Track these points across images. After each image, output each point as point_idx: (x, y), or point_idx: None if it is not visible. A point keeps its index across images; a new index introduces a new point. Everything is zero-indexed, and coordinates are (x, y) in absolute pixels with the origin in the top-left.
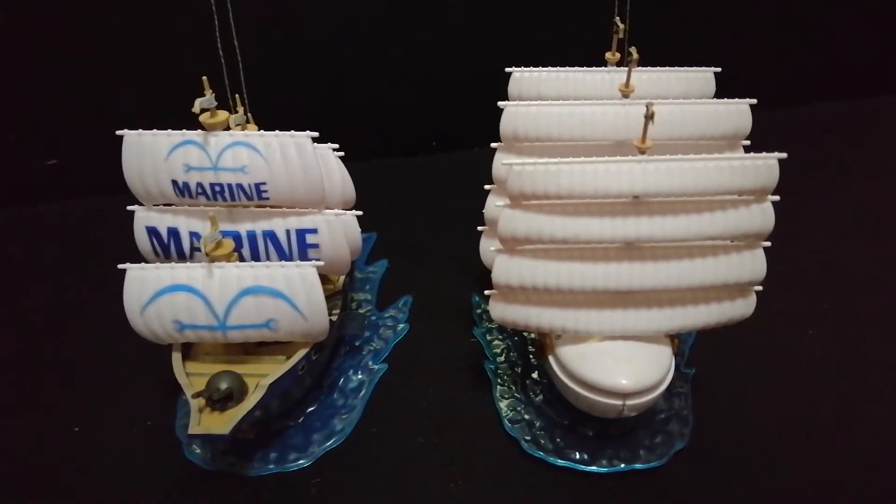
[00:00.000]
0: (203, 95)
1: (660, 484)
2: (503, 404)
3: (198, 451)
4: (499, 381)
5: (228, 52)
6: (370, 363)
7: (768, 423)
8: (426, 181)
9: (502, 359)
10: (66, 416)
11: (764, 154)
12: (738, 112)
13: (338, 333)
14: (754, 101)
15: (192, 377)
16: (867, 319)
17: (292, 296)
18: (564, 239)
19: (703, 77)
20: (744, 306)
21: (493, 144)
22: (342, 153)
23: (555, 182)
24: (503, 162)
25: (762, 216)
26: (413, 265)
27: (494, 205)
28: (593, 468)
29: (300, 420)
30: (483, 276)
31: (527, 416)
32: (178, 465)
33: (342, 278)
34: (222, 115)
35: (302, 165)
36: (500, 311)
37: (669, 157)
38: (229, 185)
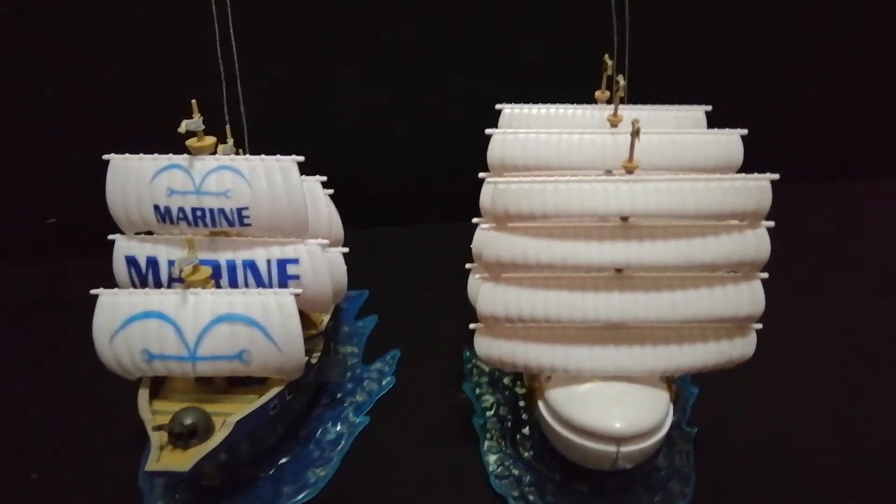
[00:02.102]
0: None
1: None
2: (491, 459)
3: (159, 502)
4: (487, 435)
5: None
6: (351, 416)
7: (775, 486)
8: (422, 248)
9: (491, 413)
10: (23, 462)
11: (756, 175)
12: (728, 142)
13: (318, 379)
14: (744, 131)
15: (157, 415)
16: (881, 375)
17: (267, 325)
18: (551, 263)
19: (694, 116)
20: (743, 346)
21: (481, 175)
22: (331, 191)
23: (540, 201)
24: (487, 180)
25: (757, 243)
26: (404, 320)
27: (481, 234)
28: None
29: (271, 472)
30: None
31: (515, 472)
32: None
33: (325, 320)
34: (209, 140)
35: (286, 191)
36: (486, 346)
37: (658, 178)
38: (211, 210)
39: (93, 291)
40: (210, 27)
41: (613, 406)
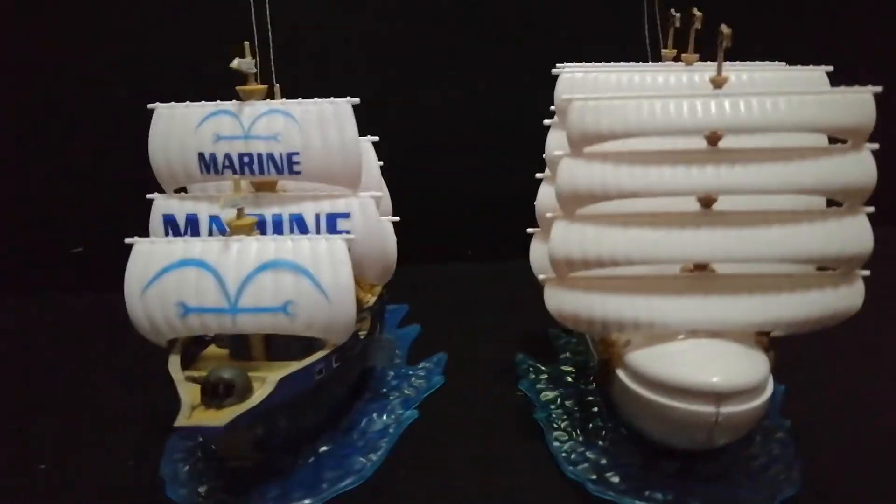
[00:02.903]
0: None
1: None
2: (561, 447)
3: (183, 490)
4: (554, 426)
5: None
6: (398, 408)
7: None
8: (459, 282)
9: (556, 406)
10: (36, 453)
11: (856, 87)
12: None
13: (363, 363)
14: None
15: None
16: None
17: (316, 273)
18: (634, 191)
19: (813, 77)
20: (849, 296)
21: (546, 122)
22: (382, 163)
23: (622, 117)
24: (563, 96)
25: (860, 167)
26: (447, 330)
27: (547, 197)
28: None
29: (310, 459)
30: (527, 337)
31: (591, 457)
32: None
33: (372, 301)
34: (260, 86)
35: (339, 134)
36: (558, 300)
37: (748, 91)
38: (259, 156)
39: (128, 240)
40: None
41: (709, 361)
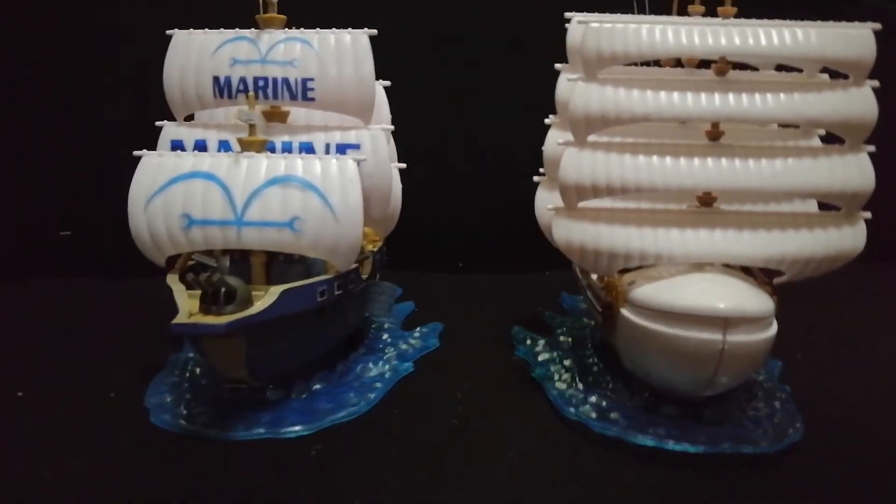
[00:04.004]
0: None
1: (775, 475)
2: (562, 393)
3: (167, 416)
4: (553, 378)
5: None
6: (394, 360)
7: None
8: (453, 291)
9: (555, 363)
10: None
11: (857, 23)
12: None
13: (362, 309)
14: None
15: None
16: None
17: (325, 190)
18: (645, 115)
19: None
20: (853, 237)
21: (557, 66)
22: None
23: (635, 40)
24: (578, 19)
25: (862, 102)
26: (443, 307)
27: (556, 141)
28: (687, 446)
29: (304, 395)
30: (524, 316)
31: (592, 400)
32: (144, 431)
33: (372, 247)
34: (280, 16)
35: (355, 63)
36: (566, 231)
37: (754, 21)
38: (274, 80)
39: (136, 153)
40: None
41: (716, 289)
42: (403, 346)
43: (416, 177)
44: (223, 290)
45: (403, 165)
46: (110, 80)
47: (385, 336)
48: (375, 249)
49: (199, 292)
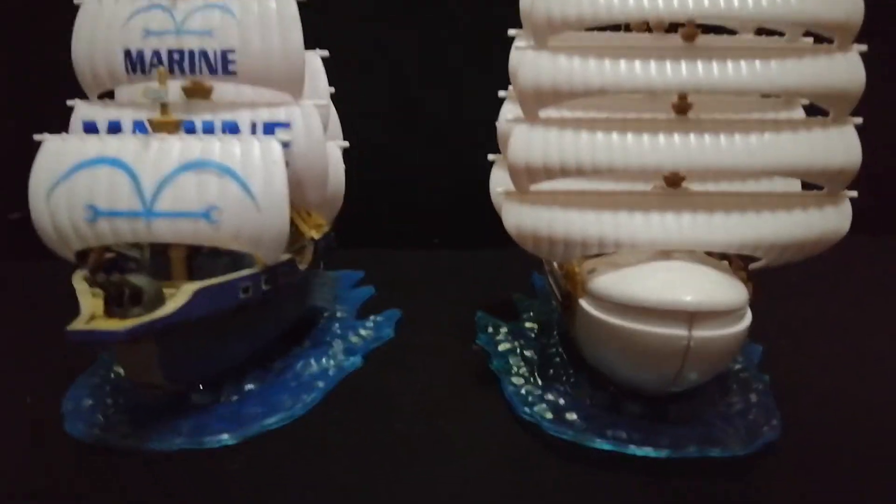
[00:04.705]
0: None
1: (746, 481)
2: (517, 389)
3: (82, 424)
4: (511, 372)
5: None
6: (340, 355)
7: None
8: (422, 268)
9: (515, 355)
10: None
11: None
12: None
13: (302, 302)
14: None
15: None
16: None
17: (246, 175)
18: (602, 87)
19: None
20: (837, 218)
21: (512, 31)
22: (332, 89)
23: (590, 2)
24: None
25: (847, 67)
26: (405, 292)
27: (507, 117)
28: (649, 451)
29: (234, 397)
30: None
31: (549, 398)
32: (54, 441)
33: (315, 233)
34: None
35: (281, 31)
36: (517, 217)
37: None
38: (191, 53)
39: (37, 137)
40: None
41: (681, 280)
42: (353, 339)
43: (376, 151)
44: (127, 290)
45: (346, 144)
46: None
47: (335, 327)
48: (319, 236)
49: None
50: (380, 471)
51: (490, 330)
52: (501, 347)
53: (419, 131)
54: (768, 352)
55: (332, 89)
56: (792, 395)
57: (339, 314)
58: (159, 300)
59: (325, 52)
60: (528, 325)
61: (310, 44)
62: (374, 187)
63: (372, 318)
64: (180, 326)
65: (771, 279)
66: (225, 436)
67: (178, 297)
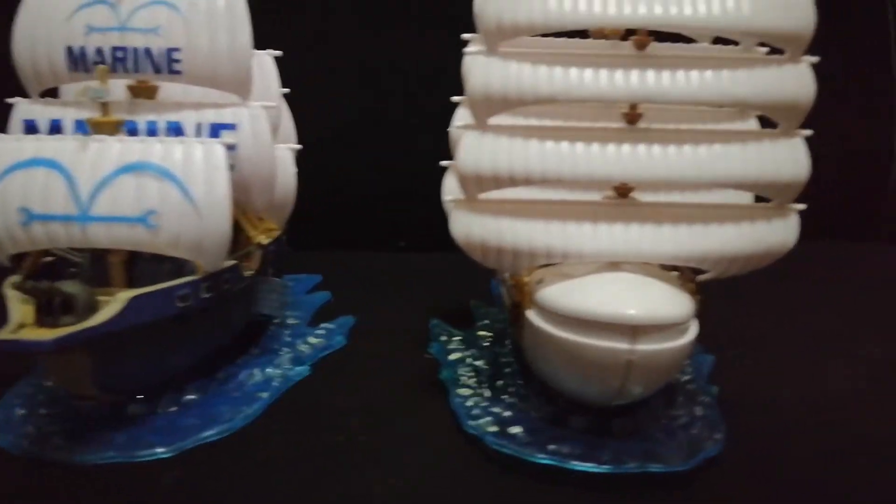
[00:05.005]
0: None
1: (684, 497)
2: (464, 402)
3: (10, 435)
4: (459, 382)
5: None
6: (287, 363)
7: (811, 440)
8: (381, 270)
9: (465, 365)
10: None
11: None
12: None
13: (249, 309)
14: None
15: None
16: None
17: (186, 179)
18: (551, 95)
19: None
20: (784, 231)
21: (466, 35)
22: (287, 90)
23: (541, 7)
24: None
25: (797, 79)
26: (361, 298)
27: (456, 124)
28: (592, 467)
29: (172, 408)
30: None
31: (495, 411)
32: None
33: (264, 237)
34: None
35: (229, 29)
36: (466, 226)
37: None
38: (135, 51)
39: None
40: None
41: (625, 293)
42: (302, 347)
43: (340, 153)
44: (57, 298)
45: (297, 147)
46: None
47: (286, 335)
48: (267, 241)
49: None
50: (315, 484)
51: (443, 338)
52: (452, 357)
53: (383, 133)
54: (720, 362)
55: (287, 90)
56: (739, 406)
57: (291, 321)
58: (92, 308)
59: (278, 52)
60: (482, 333)
61: (264, 44)
62: (338, 189)
63: (324, 325)
64: (114, 336)
65: (726, 288)
66: (160, 449)
67: (112, 305)
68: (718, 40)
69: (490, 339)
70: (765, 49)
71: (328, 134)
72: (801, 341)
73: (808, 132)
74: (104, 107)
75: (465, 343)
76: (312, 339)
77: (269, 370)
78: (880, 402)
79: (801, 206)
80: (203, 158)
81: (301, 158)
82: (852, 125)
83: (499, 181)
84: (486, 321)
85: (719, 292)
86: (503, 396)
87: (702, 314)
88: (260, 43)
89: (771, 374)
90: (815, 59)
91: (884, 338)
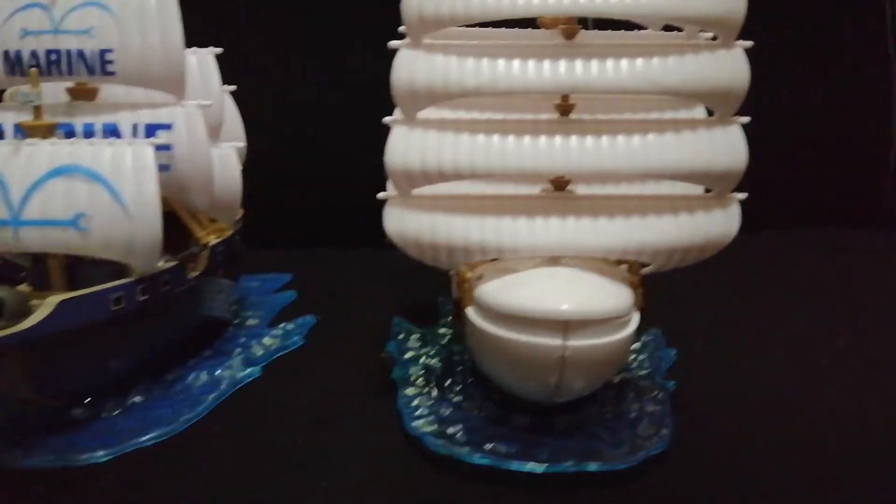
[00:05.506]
0: None
1: (626, 492)
2: (409, 403)
3: None
4: (408, 382)
5: None
6: (238, 365)
7: (762, 434)
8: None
9: (417, 365)
10: None
11: None
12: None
13: (197, 311)
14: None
15: None
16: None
17: (115, 181)
18: (477, 88)
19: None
20: (725, 221)
21: (402, 28)
22: (233, 87)
23: None
24: None
25: (731, 65)
26: (327, 297)
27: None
28: (528, 466)
29: (115, 412)
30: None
31: (438, 411)
32: None
33: (213, 237)
34: None
35: (161, 28)
36: (399, 222)
37: None
38: (68, 53)
39: None
40: None
41: (559, 288)
42: (256, 349)
43: (308, 149)
44: None
45: (240, 144)
46: None
47: (241, 336)
48: (216, 241)
49: None
50: (252, 487)
51: (401, 336)
52: (407, 355)
53: (357, 128)
54: (682, 357)
55: (234, 87)
56: (692, 403)
57: (250, 322)
58: (24, 312)
59: (219, 49)
60: (442, 330)
61: (207, 41)
62: (312, 187)
63: (282, 325)
64: (48, 340)
65: (689, 281)
66: (99, 452)
67: (41, 309)
68: (669, 27)
69: (449, 336)
70: (708, 35)
71: (303, 130)
72: (773, 334)
73: (746, 119)
74: (36, 110)
75: (422, 341)
76: (268, 340)
77: (218, 372)
78: (838, 396)
79: (742, 196)
80: (132, 160)
81: (277, 156)
82: (848, 112)
83: (428, 176)
84: (450, 318)
85: (683, 284)
86: (450, 395)
87: (654, 307)
88: (207, 40)
89: (736, 369)
90: (748, 43)
91: (854, 329)
